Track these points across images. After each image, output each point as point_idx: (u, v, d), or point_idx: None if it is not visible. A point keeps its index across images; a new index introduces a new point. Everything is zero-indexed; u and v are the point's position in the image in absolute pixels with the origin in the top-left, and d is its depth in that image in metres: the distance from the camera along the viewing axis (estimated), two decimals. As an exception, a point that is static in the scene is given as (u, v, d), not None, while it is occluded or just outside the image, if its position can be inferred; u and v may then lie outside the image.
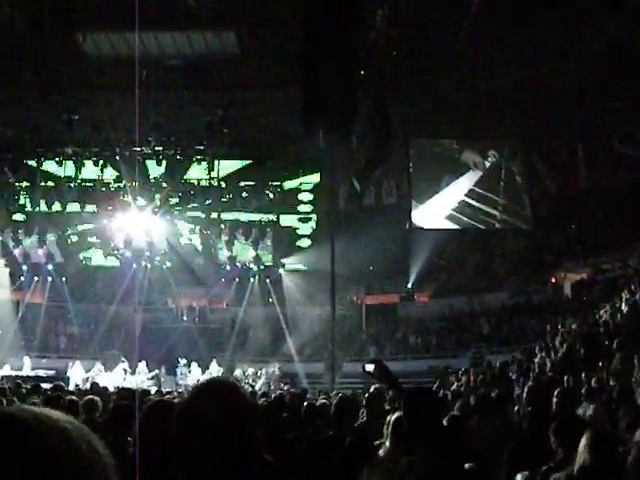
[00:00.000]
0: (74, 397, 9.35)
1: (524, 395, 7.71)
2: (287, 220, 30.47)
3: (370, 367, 5.05)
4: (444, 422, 5.41)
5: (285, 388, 24.02)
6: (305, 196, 30.40)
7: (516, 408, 9.56)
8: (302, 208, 30.64)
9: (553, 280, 32.18)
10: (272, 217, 29.91)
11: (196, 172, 28.76)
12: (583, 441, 4.52)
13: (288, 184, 29.77)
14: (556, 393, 7.00)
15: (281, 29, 21.53)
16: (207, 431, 2.20)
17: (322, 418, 7.42)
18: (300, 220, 30.68)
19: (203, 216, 29.30)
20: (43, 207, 29.03)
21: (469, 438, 6.04)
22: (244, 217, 29.64)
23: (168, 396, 12.57)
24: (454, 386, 17.33)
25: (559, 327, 23.66)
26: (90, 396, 8.39)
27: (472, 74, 24.31)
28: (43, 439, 0.96)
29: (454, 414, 6.38)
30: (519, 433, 6.59)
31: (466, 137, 30.32)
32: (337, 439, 6.02)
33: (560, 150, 29.51)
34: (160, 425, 3.16)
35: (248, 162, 29.12)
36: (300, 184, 30.16)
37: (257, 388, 24.65)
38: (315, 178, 30.10)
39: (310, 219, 30.84)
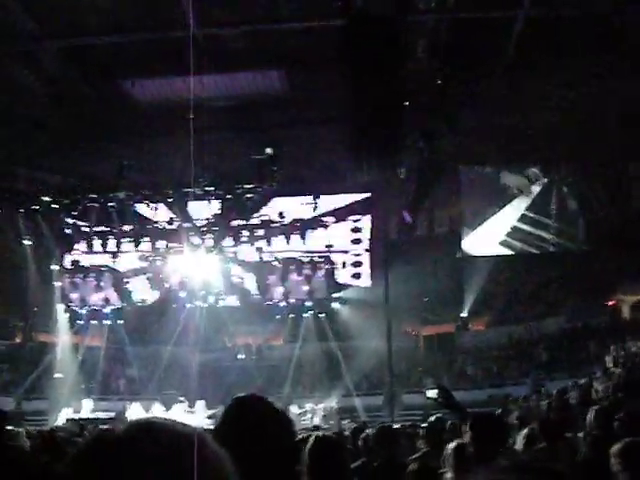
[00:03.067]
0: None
1: (588, 419, 7.59)
2: (340, 255, 30.61)
3: (433, 393, 5.05)
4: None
5: (345, 422, 23.89)
6: (358, 233, 30.61)
7: (580, 434, 9.39)
8: (354, 245, 30.79)
9: (611, 303, 31.67)
10: (325, 253, 30.09)
11: (247, 211, 29.07)
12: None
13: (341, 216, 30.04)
14: (619, 416, 6.90)
15: (326, 66, 21.75)
16: (243, 441, 2.25)
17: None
18: (354, 255, 30.81)
19: (256, 253, 29.59)
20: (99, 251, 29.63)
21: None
22: (297, 254, 29.92)
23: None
24: (516, 413, 17.06)
25: (619, 350, 23.26)
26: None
27: (518, 98, 24.22)
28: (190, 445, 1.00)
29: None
30: (583, 458, 6.49)
31: (514, 163, 30.19)
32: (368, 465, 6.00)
33: (611, 172, 29.21)
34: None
35: (299, 199, 29.43)
36: (353, 220, 30.40)
37: (316, 423, 24.56)
38: (367, 219, 30.38)
39: (363, 251, 30.96)
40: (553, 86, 23.45)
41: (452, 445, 5.09)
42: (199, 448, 1.00)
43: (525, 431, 7.17)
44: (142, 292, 31.54)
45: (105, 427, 0.99)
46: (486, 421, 4.48)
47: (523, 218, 30.24)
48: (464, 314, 33.90)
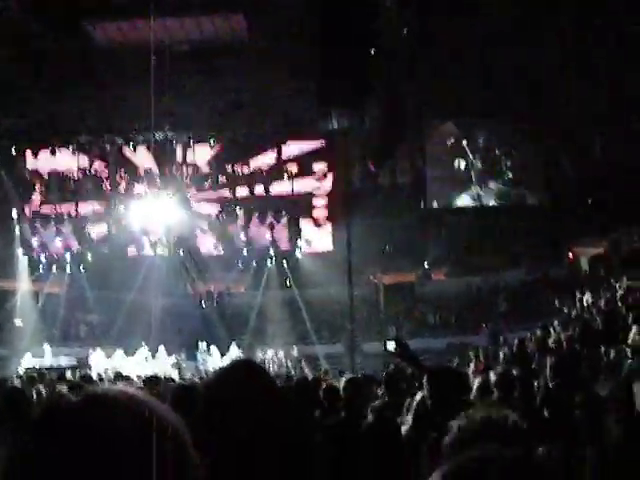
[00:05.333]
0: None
1: (547, 370, 7.68)
2: (302, 203, 30.58)
3: (391, 345, 5.09)
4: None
5: (306, 370, 24.14)
6: (321, 182, 30.58)
7: (536, 384, 9.52)
8: (317, 194, 30.78)
9: (570, 255, 32.05)
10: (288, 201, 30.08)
11: (209, 156, 28.88)
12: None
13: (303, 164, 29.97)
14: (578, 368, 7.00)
15: (291, 12, 21.48)
16: (233, 411, 2.24)
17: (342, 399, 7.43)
18: (316, 203, 30.79)
19: (218, 198, 29.49)
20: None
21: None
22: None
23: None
24: (472, 364, 17.33)
25: (577, 302, 23.61)
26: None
27: (484, 54, 24.16)
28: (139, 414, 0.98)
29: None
30: (540, 408, 6.58)
31: (478, 117, 30.24)
32: (349, 420, 6.01)
33: (575, 128, 29.34)
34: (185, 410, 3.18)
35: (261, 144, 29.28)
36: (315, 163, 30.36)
37: (276, 370, 24.79)
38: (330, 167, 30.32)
39: (325, 199, 30.94)
40: (522, 42, 23.42)
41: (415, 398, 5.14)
42: (158, 429, 0.97)
43: (478, 381, 7.24)
44: (103, 238, 31.37)
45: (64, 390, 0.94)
46: (443, 375, 4.51)
47: (487, 171, 30.39)
48: (426, 264, 34.08)
